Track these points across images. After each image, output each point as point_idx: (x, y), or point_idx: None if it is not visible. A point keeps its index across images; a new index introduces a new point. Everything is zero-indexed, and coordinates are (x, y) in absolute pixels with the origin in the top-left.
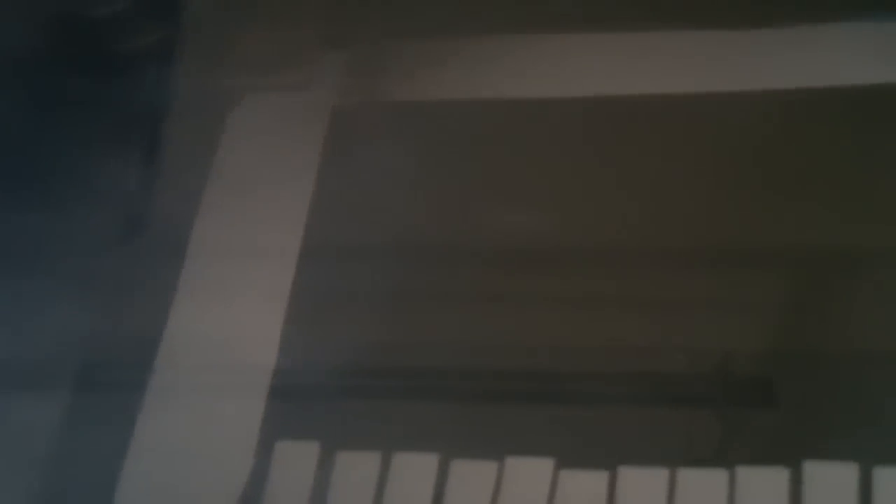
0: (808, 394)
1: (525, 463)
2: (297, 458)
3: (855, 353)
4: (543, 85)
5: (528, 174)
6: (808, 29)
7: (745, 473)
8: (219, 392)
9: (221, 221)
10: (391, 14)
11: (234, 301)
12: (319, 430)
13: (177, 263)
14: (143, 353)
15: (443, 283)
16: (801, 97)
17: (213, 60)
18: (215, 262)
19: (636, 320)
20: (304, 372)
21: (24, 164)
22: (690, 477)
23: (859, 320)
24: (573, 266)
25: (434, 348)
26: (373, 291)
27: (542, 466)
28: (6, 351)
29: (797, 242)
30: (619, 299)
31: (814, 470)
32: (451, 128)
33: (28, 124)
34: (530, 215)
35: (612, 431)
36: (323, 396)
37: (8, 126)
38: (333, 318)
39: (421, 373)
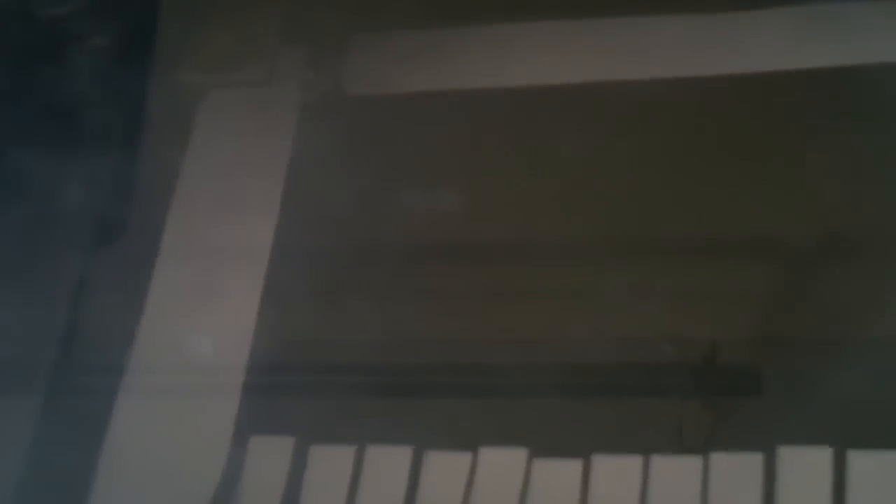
0: (795, 382)
1: (499, 453)
2: (271, 453)
3: (841, 341)
4: (511, 75)
5: (503, 164)
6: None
7: (719, 459)
8: (193, 389)
9: (193, 221)
10: (353, 8)
11: (208, 299)
12: (294, 426)
13: (149, 263)
14: (116, 352)
15: (421, 278)
16: (772, 80)
17: (175, 57)
18: (187, 262)
19: (622, 310)
20: (278, 368)
21: None
22: (664, 464)
23: (846, 309)
24: (557, 257)
25: (408, 343)
26: (345, 288)
27: (515, 456)
28: None
29: (783, 231)
30: (604, 289)
31: (788, 454)
32: (419, 120)
33: None
34: (509, 207)
35: (598, 422)
36: (297, 392)
37: None
38: (306, 314)
39: (394, 367)
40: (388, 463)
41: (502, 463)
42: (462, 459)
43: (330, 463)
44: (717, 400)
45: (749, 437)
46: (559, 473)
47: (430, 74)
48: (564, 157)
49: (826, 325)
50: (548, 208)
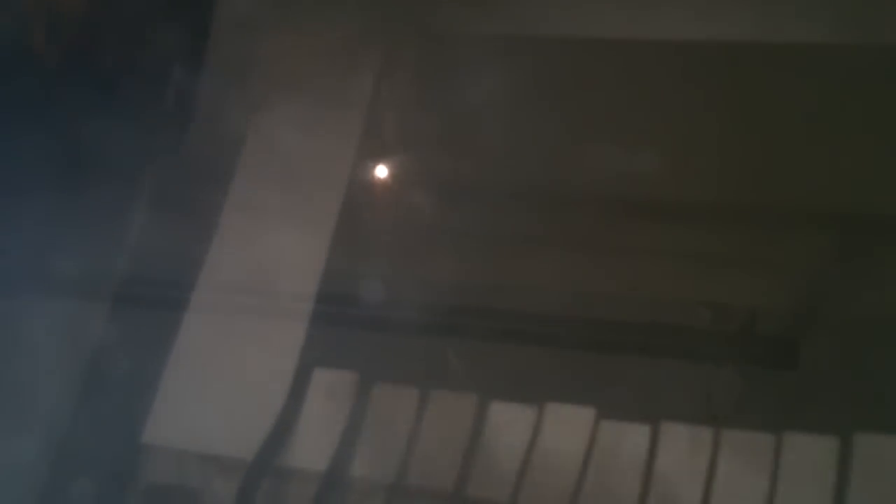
0: (831, 356)
1: (564, 410)
2: (334, 387)
3: (882, 317)
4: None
5: (562, 117)
6: None
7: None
8: (259, 316)
9: (272, 143)
10: None
11: (281, 225)
12: (359, 361)
13: (224, 184)
14: (186, 271)
15: (488, 223)
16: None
17: None
18: (263, 185)
19: (666, 271)
20: (347, 302)
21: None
22: (739, 439)
23: (888, 285)
24: (598, 214)
25: (480, 288)
26: (421, 226)
27: (581, 415)
28: (51, 260)
29: (833, 204)
30: (649, 249)
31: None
32: (508, 62)
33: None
34: (580, 162)
35: (630, 382)
36: (365, 327)
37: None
38: (379, 250)
39: (464, 311)
40: (452, 408)
41: (568, 420)
42: (528, 412)
43: (393, 402)
44: (750, 370)
45: (779, 411)
46: (625, 435)
47: (523, 15)
48: (618, 116)
49: (871, 304)
50: (600, 167)
